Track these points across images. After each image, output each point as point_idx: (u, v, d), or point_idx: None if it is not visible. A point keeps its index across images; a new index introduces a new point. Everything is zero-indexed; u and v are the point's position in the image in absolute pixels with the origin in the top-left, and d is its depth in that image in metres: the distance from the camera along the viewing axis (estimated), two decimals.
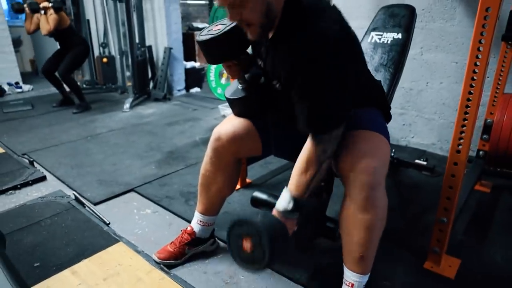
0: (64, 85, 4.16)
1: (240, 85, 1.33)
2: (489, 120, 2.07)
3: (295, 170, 1.06)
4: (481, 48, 1.22)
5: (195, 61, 5.74)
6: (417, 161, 2.29)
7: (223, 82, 3.31)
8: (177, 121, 3.62)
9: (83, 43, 4.13)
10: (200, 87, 5.06)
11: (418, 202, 2.03)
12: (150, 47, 4.70)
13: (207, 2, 5.77)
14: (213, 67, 3.20)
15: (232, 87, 1.39)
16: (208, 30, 1.22)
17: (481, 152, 2.12)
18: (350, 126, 1.08)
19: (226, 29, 1.15)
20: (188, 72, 4.96)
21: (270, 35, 1.08)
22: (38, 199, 2.00)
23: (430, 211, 1.88)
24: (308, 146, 1.03)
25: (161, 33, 4.62)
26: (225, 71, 1.37)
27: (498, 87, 2.02)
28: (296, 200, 1.03)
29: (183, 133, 3.25)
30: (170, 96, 4.64)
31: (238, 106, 1.38)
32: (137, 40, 4.44)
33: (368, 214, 1.04)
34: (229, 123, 1.36)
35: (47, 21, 3.73)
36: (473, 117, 1.25)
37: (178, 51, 4.74)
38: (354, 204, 1.06)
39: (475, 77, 1.24)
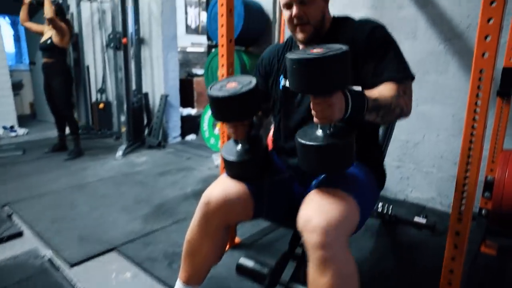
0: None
1: (241, 146, 1.25)
2: (490, 177, 1.98)
3: (372, 90, 1.08)
4: (477, 110, 1.17)
5: (192, 107, 5.76)
6: (416, 218, 2.17)
7: (216, 133, 3.26)
8: (170, 171, 3.52)
9: (67, 71, 3.95)
10: (196, 134, 5.02)
11: (419, 265, 1.89)
12: (146, 94, 4.72)
13: (206, 50, 5.90)
14: (206, 116, 3.16)
15: (230, 146, 1.30)
16: (221, 86, 1.16)
17: (483, 211, 2.01)
18: (329, 182, 1.08)
19: (245, 89, 1.10)
20: (184, 119, 4.95)
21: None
22: (10, 259, 1.86)
23: (433, 275, 1.73)
24: (390, 84, 1.11)
25: (158, 80, 4.66)
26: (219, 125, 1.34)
27: (497, 142, 1.95)
28: (362, 94, 1.00)
29: (175, 184, 3.15)
30: (164, 143, 4.58)
31: (236, 169, 1.27)
32: (133, 87, 4.46)
33: (325, 276, 0.94)
34: (221, 186, 1.26)
35: (50, 4, 3.55)
36: (475, 172, 1.19)
37: (175, 98, 4.75)
38: (312, 267, 0.98)
39: (474, 132, 1.20)
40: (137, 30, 4.51)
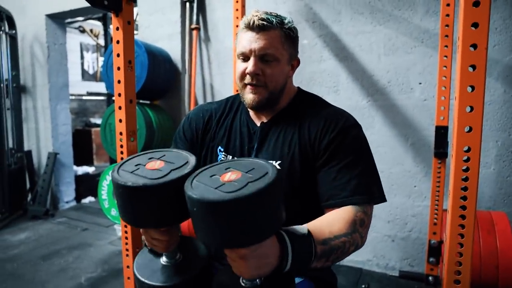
0: None
1: (167, 260, 0.82)
2: (433, 241, 1.84)
3: (319, 221, 0.83)
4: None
5: (91, 163, 5.01)
6: None
7: None
8: (58, 251, 2.79)
9: None
10: (95, 196, 4.29)
11: None
12: (29, 152, 3.91)
13: (105, 98, 5.29)
14: (105, 182, 2.60)
15: (148, 259, 0.85)
16: (136, 167, 0.73)
17: (430, 278, 1.84)
18: None
19: (178, 175, 0.69)
20: (80, 179, 4.22)
21: (266, 119, 1.03)
22: None
23: None
24: (346, 212, 0.85)
25: (45, 136, 3.90)
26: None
27: (437, 204, 1.83)
28: (309, 239, 0.74)
29: (64, 271, 2.45)
30: (54, 211, 3.77)
31: None
32: (10, 145, 3.65)
33: None
34: None
35: None
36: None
37: (67, 156, 4.02)
38: None
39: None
40: (16, 77, 3.77)
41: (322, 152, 0.92)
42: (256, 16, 0.93)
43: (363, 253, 2.43)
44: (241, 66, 0.96)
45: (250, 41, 0.93)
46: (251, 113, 1.05)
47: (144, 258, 0.85)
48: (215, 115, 1.09)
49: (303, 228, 0.75)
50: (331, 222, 0.83)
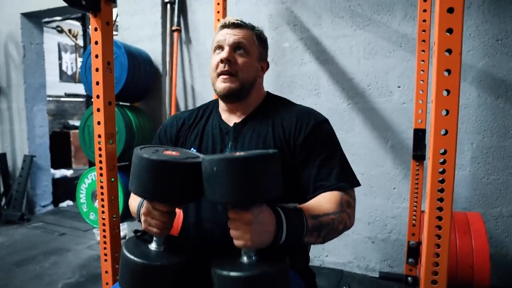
0: None
1: (155, 247, 0.86)
2: (412, 242, 1.87)
3: (309, 202, 0.92)
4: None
5: (69, 166, 4.89)
6: None
7: (96, 206, 2.64)
8: (34, 257, 2.70)
9: None
10: (73, 200, 4.19)
11: None
12: (3, 155, 3.78)
13: (85, 100, 5.18)
14: (83, 185, 2.54)
15: (137, 244, 0.88)
16: (154, 152, 0.84)
17: (409, 278, 1.87)
18: None
19: (196, 160, 0.81)
20: (58, 182, 4.11)
21: (239, 120, 1.08)
22: None
23: None
24: (333, 195, 0.94)
25: (21, 138, 3.79)
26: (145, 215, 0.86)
27: (415, 205, 1.86)
28: (299, 212, 0.83)
29: (39, 278, 2.38)
30: (29, 216, 3.66)
31: (142, 277, 0.81)
32: None
33: None
34: None
35: None
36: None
37: (44, 158, 3.91)
38: None
39: None
40: None
41: (299, 148, 0.99)
42: (232, 18, 1.05)
43: (344, 255, 2.45)
44: (216, 57, 1.03)
45: (225, 35, 1.03)
46: (224, 115, 1.10)
47: (133, 242, 0.89)
48: (187, 121, 1.14)
49: (293, 204, 0.84)
50: (320, 203, 0.91)
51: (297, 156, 1.00)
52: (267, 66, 1.14)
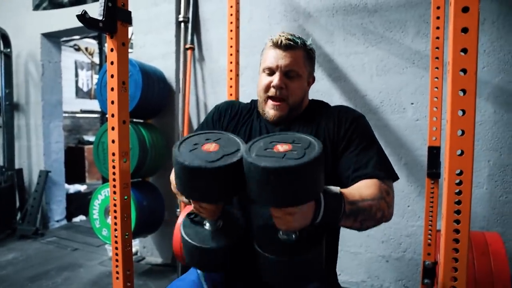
0: None
1: (210, 227, 0.95)
2: (428, 262, 1.82)
3: (350, 187, 0.94)
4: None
5: (83, 181, 4.95)
6: None
7: (109, 222, 2.66)
8: (47, 272, 2.72)
9: None
10: (86, 215, 4.23)
11: None
12: (20, 171, 3.86)
13: (99, 116, 5.27)
14: (97, 201, 2.56)
15: (192, 224, 0.97)
16: (193, 145, 0.84)
17: None
18: None
19: (229, 162, 0.79)
20: (71, 197, 4.15)
21: (284, 124, 1.11)
22: None
23: None
24: (372, 182, 0.94)
25: (37, 154, 3.87)
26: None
27: (431, 224, 1.82)
28: (339, 197, 0.84)
29: None
30: (44, 231, 3.69)
31: (198, 256, 0.93)
32: (1, 163, 3.61)
33: None
34: None
35: None
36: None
37: (59, 174, 3.97)
38: None
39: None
40: (9, 94, 3.76)
41: (340, 140, 1.04)
42: (283, 36, 1.04)
43: (357, 274, 2.40)
44: (265, 79, 1.06)
45: (277, 57, 1.04)
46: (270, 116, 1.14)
47: (189, 222, 0.97)
48: (241, 111, 1.19)
49: (336, 188, 0.86)
50: (360, 188, 0.92)
51: (338, 148, 1.03)
52: (313, 80, 1.17)
